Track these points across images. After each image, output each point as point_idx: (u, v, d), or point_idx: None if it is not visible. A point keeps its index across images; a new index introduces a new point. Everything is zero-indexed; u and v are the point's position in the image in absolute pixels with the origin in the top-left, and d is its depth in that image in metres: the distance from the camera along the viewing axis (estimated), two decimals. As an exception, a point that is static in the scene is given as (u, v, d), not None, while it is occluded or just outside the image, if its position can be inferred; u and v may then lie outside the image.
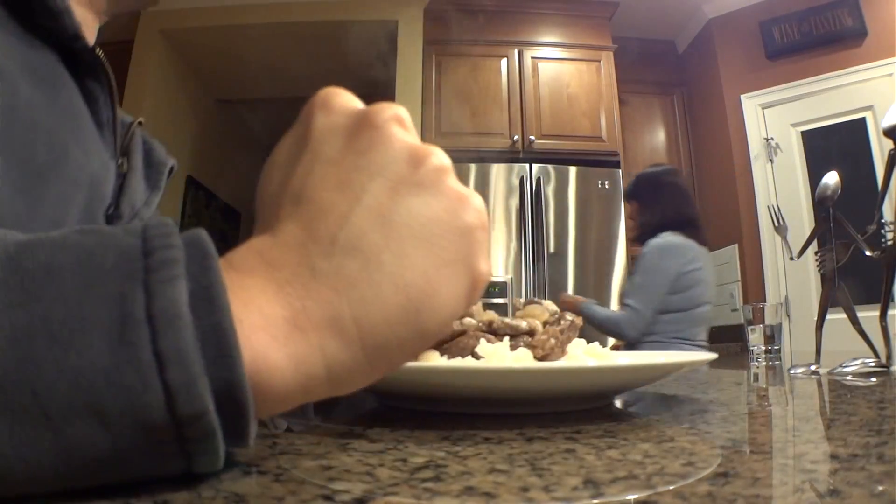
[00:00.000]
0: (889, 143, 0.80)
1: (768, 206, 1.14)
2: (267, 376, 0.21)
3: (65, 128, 0.41)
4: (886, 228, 0.80)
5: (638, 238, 2.13)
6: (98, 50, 0.44)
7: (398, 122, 0.26)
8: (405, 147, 0.25)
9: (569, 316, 0.47)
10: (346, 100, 0.27)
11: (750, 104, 3.21)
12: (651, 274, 1.94)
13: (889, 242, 0.79)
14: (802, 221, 2.87)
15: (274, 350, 0.21)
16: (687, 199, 2.09)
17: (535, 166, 2.89)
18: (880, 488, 0.20)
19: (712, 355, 0.45)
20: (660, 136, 3.59)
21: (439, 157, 0.26)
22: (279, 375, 0.21)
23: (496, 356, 0.41)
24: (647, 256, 1.96)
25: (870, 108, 2.81)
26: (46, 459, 0.18)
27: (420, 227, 0.24)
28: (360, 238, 0.23)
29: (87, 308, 0.19)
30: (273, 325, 0.21)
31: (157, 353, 0.18)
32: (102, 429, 0.18)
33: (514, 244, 2.82)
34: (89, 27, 0.50)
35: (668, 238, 1.97)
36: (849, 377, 0.70)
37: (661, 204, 2.03)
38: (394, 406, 0.45)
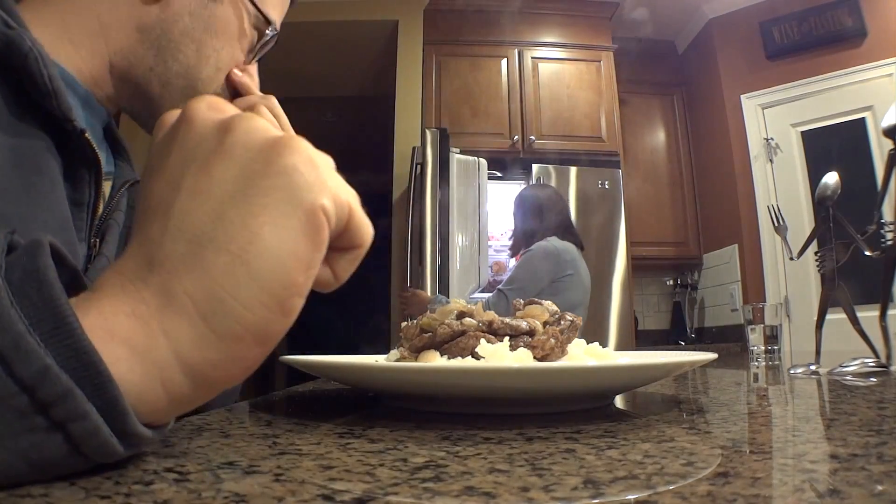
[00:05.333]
0: (889, 143, 0.80)
1: (768, 206, 1.14)
2: (116, 375, 0.21)
3: (36, 217, 0.42)
4: (886, 228, 0.80)
5: (512, 247, 2.29)
6: (87, 133, 0.46)
7: (209, 105, 0.27)
8: (211, 124, 0.26)
9: (569, 316, 0.47)
10: (173, 113, 0.28)
11: (750, 104, 3.21)
12: (530, 271, 2.06)
13: (889, 242, 0.79)
14: (802, 221, 2.87)
15: (114, 346, 0.22)
16: (559, 208, 2.22)
17: (536, 166, 2.89)
18: (880, 488, 0.20)
19: (712, 355, 0.45)
20: (660, 136, 3.59)
21: (245, 118, 0.26)
22: (126, 369, 0.22)
23: (496, 356, 0.41)
24: (532, 255, 2.08)
25: (870, 108, 2.81)
26: None
27: (234, 187, 0.24)
28: (184, 220, 0.24)
29: None
30: (111, 321, 0.22)
31: None
32: None
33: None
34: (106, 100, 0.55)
35: (553, 242, 2.08)
36: (849, 377, 0.70)
37: (533, 216, 2.17)
38: (394, 406, 0.45)
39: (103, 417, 0.21)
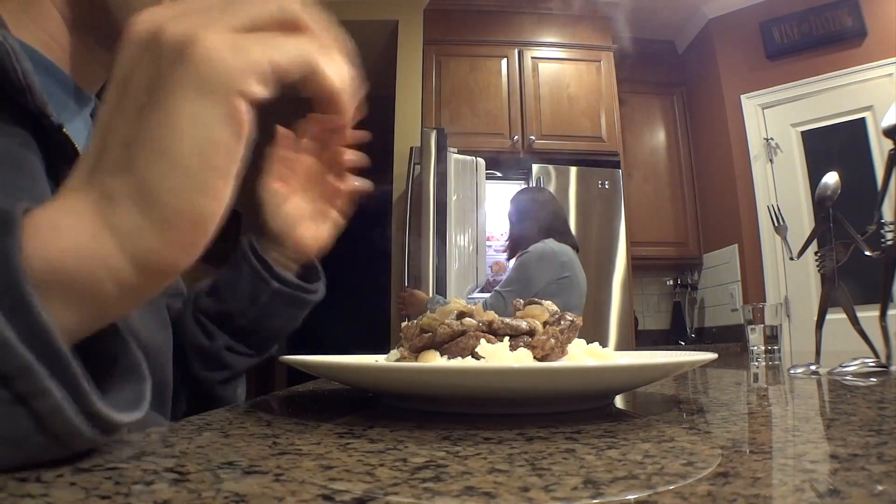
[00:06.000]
0: (889, 143, 0.80)
1: (768, 206, 1.14)
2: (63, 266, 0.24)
3: None
4: (886, 228, 0.80)
5: (509, 249, 2.28)
6: (65, 128, 0.45)
7: (149, 16, 0.27)
8: (145, 35, 0.27)
9: (569, 316, 0.47)
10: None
11: (750, 104, 3.21)
12: (527, 273, 2.06)
13: (889, 242, 0.79)
14: (802, 221, 2.87)
15: (60, 239, 0.24)
16: (554, 211, 2.23)
17: (536, 166, 2.89)
18: (880, 488, 0.20)
19: (712, 355, 0.45)
20: (660, 136, 3.59)
21: (175, 21, 0.27)
22: (73, 262, 0.24)
23: (496, 356, 0.41)
24: (529, 257, 2.08)
25: (870, 108, 2.81)
26: None
27: (152, 85, 0.26)
28: (115, 129, 0.26)
29: None
30: (57, 217, 0.25)
31: None
32: None
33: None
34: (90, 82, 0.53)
35: (549, 245, 2.08)
36: (849, 377, 0.70)
37: (529, 219, 2.17)
38: (394, 406, 0.45)
39: (68, 397, 0.21)
